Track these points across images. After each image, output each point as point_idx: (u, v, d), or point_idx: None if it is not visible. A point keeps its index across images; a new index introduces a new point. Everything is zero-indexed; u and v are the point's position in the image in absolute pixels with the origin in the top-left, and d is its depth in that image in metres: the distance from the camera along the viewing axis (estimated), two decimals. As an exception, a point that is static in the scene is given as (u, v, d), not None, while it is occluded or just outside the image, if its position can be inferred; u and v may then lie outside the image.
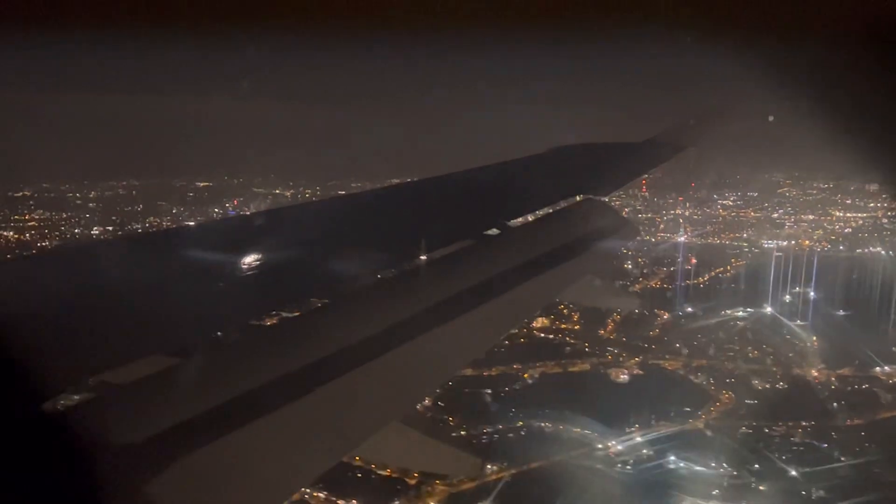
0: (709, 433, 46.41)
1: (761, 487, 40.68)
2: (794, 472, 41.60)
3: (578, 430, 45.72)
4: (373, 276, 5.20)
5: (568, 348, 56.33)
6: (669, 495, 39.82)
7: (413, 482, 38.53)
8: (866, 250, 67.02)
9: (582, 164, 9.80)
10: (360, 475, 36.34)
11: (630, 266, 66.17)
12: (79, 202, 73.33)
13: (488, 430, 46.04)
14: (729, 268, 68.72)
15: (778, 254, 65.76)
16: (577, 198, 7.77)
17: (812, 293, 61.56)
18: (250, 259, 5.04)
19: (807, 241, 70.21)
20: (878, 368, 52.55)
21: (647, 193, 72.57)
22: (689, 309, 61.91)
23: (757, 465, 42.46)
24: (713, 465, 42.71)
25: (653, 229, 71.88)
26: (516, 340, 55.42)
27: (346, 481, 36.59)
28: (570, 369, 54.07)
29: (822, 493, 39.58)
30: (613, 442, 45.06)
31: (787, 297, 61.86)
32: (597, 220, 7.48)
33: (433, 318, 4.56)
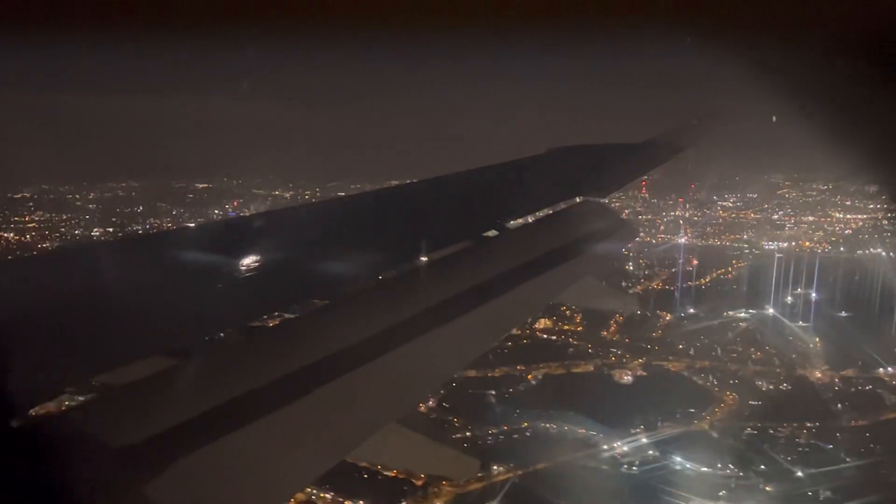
0: (714, 434, 46.51)
1: (768, 488, 40.74)
2: (800, 473, 41.66)
3: (583, 431, 45.82)
4: (372, 277, 5.20)
5: (571, 349, 56.47)
6: (676, 496, 39.81)
7: (420, 483, 38.54)
8: (867, 252, 67.10)
9: (581, 166, 9.78)
10: (366, 476, 36.20)
11: (631, 267, 66.42)
12: (78, 203, 73.33)
13: (493, 431, 46.10)
14: (730, 269, 68.88)
15: (779, 255, 65.90)
16: (577, 199, 7.76)
17: (813, 294, 61.69)
18: (250, 260, 5.03)
19: (807, 243, 70.41)
20: (881, 370, 52.73)
21: (646, 195, 72.67)
22: (692, 310, 62.08)
23: (763, 466, 42.51)
24: (719, 465, 42.80)
25: (653, 231, 72.06)
26: (519, 342, 55.57)
27: (352, 482, 36.52)
28: (574, 370, 54.20)
29: (828, 493, 39.62)
30: (619, 443, 45.11)
31: (789, 299, 61.98)
32: (595, 221, 7.45)
33: (432, 319, 4.53)
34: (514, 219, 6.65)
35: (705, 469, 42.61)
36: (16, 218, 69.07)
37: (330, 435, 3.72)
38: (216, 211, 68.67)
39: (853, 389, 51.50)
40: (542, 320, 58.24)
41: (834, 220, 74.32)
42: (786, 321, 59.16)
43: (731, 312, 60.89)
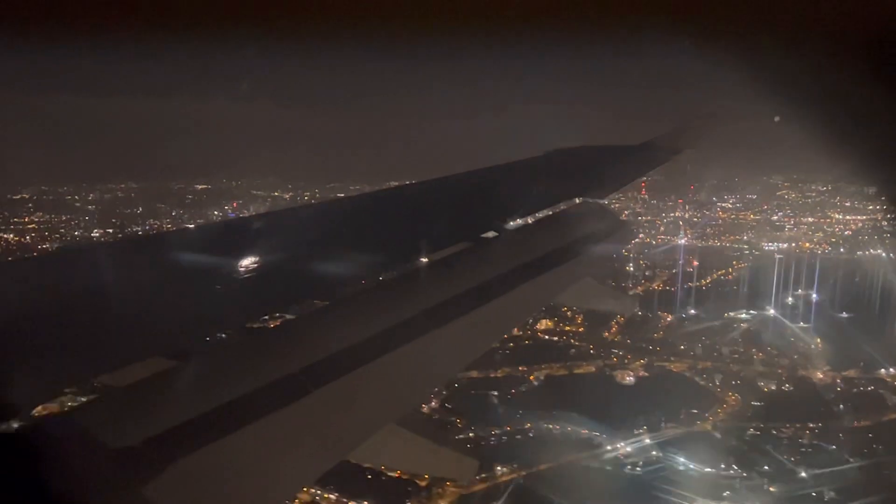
0: (717, 435, 46.56)
1: (772, 489, 40.75)
2: (803, 474, 41.69)
3: (586, 431, 45.87)
4: (371, 278, 5.23)
5: (573, 350, 56.54)
6: (680, 497, 39.80)
7: (424, 484, 38.50)
8: (867, 253, 67.18)
9: (579, 167, 9.80)
10: (370, 476, 36.22)
11: (632, 268, 66.47)
12: (77, 205, 73.28)
13: (496, 431, 46.13)
14: (730, 270, 68.94)
15: (779, 256, 65.95)
16: (576, 200, 7.76)
17: (814, 295, 61.74)
18: (249, 261, 5.01)
19: (807, 244, 70.49)
20: (882, 370, 52.80)
21: (646, 196, 72.81)
22: (693, 311, 62.18)
23: (767, 467, 42.54)
24: (722, 466, 42.83)
25: (653, 232, 72.20)
26: (521, 342, 55.69)
27: (356, 482, 36.52)
28: (576, 371, 54.26)
29: (832, 494, 39.64)
30: (622, 443, 45.13)
31: (790, 300, 62.01)
32: (594, 222, 7.45)
33: (431, 320, 4.53)
34: (514, 220, 6.64)
35: (709, 470, 42.65)
36: (15, 219, 69.02)
37: (329, 436, 3.73)
38: (216, 212, 68.68)
39: (855, 390, 51.54)
40: (544, 321, 58.35)
41: (833, 221, 74.45)
42: (787, 322, 59.25)
43: (732, 313, 61.01)
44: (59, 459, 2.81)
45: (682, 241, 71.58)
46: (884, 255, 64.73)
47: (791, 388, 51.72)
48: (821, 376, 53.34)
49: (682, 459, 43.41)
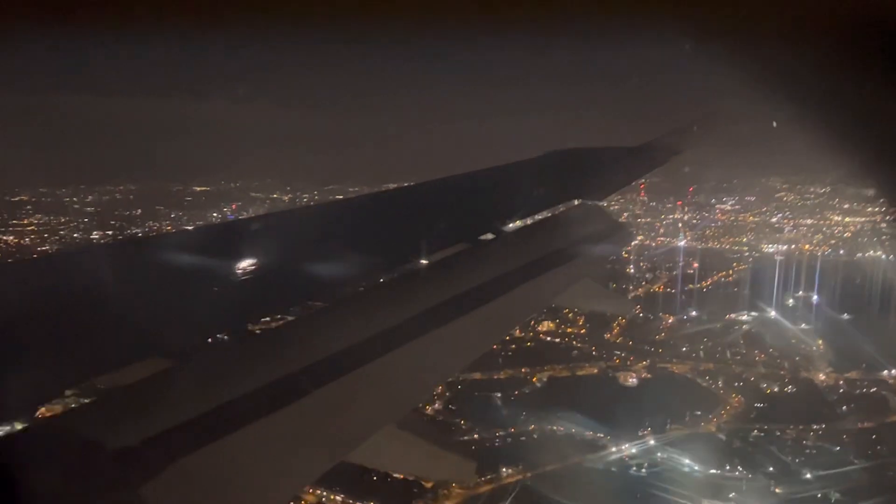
0: (721, 436, 46.66)
1: (778, 490, 40.80)
2: (808, 475, 41.76)
3: (590, 433, 45.89)
4: (369, 279, 5.25)
5: (575, 352, 56.65)
6: (686, 498, 39.84)
7: (430, 485, 38.45)
8: (867, 254, 67.28)
9: (578, 169, 9.77)
10: (375, 478, 36.12)
11: (632, 270, 66.46)
12: (76, 207, 73.01)
13: (500, 433, 46.24)
14: (731, 272, 68.97)
15: (779, 258, 66.06)
16: (574, 202, 7.76)
17: (815, 297, 61.87)
18: (248, 263, 5.01)
19: (807, 246, 70.48)
20: (885, 372, 52.92)
21: (645, 198, 72.74)
22: (694, 313, 62.23)
23: (772, 468, 42.62)
24: (728, 467, 42.92)
25: (652, 233, 72.27)
26: (523, 344, 55.71)
27: (362, 484, 36.52)
28: (579, 373, 54.41)
29: (838, 495, 39.69)
30: (626, 445, 45.16)
31: (791, 301, 62.10)
32: (592, 224, 7.45)
33: (429, 322, 4.51)
34: (511, 221, 6.66)
35: (714, 471, 42.74)
36: (14, 221, 68.73)
37: (327, 437, 3.72)
38: (214, 214, 68.54)
39: (858, 392, 51.72)
40: (545, 322, 58.39)
41: (833, 222, 74.43)
42: (788, 324, 59.28)
43: (733, 315, 61.09)
44: (58, 460, 2.82)
45: (682, 242, 71.68)
46: (883, 256, 64.94)
47: (794, 390, 51.80)
48: (823, 378, 53.50)
49: (686, 461, 43.54)
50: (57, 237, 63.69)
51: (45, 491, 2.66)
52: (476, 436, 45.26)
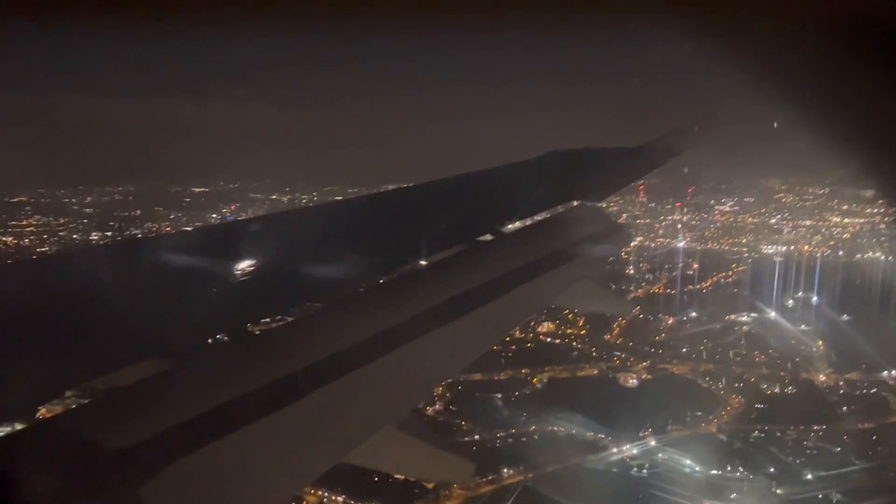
0: (722, 437, 46.72)
1: (779, 491, 40.82)
2: (810, 476, 41.81)
3: (591, 434, 45.89)
4: (368, 280, 5.22)
5: (575, 353, 56.70)
6: (687, 499, 39.85)
7: (431, 486, 38.37)
8: (866, 255, 67.36)
9: (576, 169, 9.72)
10: (377, 479, 36.08)
11: (632, 271, 66.54)
12: (75, 207, 72.93)
13: (501, 434, 46.27)
14: (730, 273, 69.07)
15: (778, 259, 66.13)
16: (574, 203, 7.72)
17: (814, 298, 61.97)
18: (247, 264, 5.03)
19: (806, 247, 70.53)
20: (885, 373, 53.01)
21: (644, 199, 72.83)
22: (694, 314, 62.32)
23: (773, 469, 42.66)
24: (729, 468, 42.95)
25: (651, 235, 72.38)
26: (523, 345, 55.76)
27: (363, 485, 36.52)
28: (579, 374, 54.49)
29: (839, 496, 39.70)
30: (627, 446, 45.19)
31: (790, 302, 62.21)
32: (590, 225, 7.42)
33: (427, 323, 4.50)
34: (510, 222, 6.63)
35: (715, 472, 42.77)
36: (13, 222, 68.66)
37: (326, 438, 3.72)
38: (214, 215, 68.52)
39: (858, 393, 51.82)
40: (545, 323, 58.46)
41: (832, 224, 74.44)
42: (788, 325, 59.34)
43: (733, 316, 61.17)
44: (58, 461, 2.80)
45: (682, 243, 71.79)
46: (882, 257, 65.02)
47: (794, 391, 51.88)
48: (823, 379, 53.59)
49: (688, 461, 43.58)
50: (56, 238, 63.62)
51: (45, 491, 2.65)
52: (477, 437, 45.33)
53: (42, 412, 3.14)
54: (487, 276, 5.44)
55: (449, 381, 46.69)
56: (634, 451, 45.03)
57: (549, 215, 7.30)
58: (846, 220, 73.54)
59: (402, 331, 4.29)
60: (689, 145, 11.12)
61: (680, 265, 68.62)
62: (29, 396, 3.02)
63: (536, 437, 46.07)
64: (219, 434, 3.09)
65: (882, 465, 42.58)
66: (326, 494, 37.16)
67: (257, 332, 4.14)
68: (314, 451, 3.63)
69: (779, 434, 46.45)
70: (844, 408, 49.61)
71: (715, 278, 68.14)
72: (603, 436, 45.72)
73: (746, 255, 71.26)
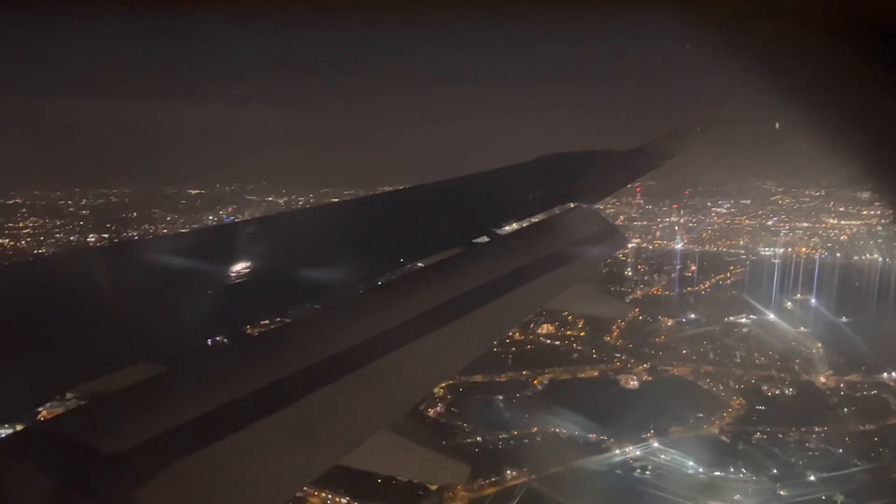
0: (724, 439, 46.71)
1: (782, 492, 40.84)
2: (812, 477, 41.84)
3: (594, 435, 45.83)
4: (363, 282, 5.24)
5: (575, 355, 56.79)
6: (691, 500, 39.85)
7: (434, 487, 38.25)
8: (863, 257, 67.57)
9: (571, 172, 9.72)
10: (380, 480, 35.98)
11: (630, 273, 66.63)
12: (71, 209, 72.81)
13: (503, 435, 46.30)
14: (728, 275, 69.30)
15: (776, 261, 66.30)
16: (571, 205, 7.73)
17: (813, 300, 62.34)
18: (244, 266, 5.02)
19: (804, 249, 70.71)
20: (885, 374, 53.16)
21: (641, 201, 73.05)
22: (693, 315, 62.54)
23: (775, 470, 42.69)
24: (732, 470, 42.94)
25: (648, 236, 72.59)
26: (523, 347, 55.78)
27: (367, 486, 36.46)
28: (579, 375, 54.51)
29: (842, 497, 39.75)
30: (630, 447, 45.21)
31: (789, 304, 62.48)
32: (586, 227, 7.46)
33: (423, 325, 4.51)
34: (506, 225, 6.65)
35: (718, 473, 42.78)
36: (10, 224, 68.50)
37: (321, 440, 3.71)
38: (210, 217, 68.45)
39: (858, 394, 51.97)
40: (545, 325, 58.59)
41: (829, 226, 74.76)
42: (787, 326, 59.56)
43: (731, 318, 61.39)
44: (54, 462, 2.81)
45: (679, 245, 71.98)
46: (880, 259, 65.21)
47: (795, 392, 51.97)
48: (823, 380, 53.70)
49: (690, 463, 43.63)
50: (53, 240, 63.57)
51: (42, 493, 2.66)
52: (479, 438, 45.41)
53: (45, 414, 3.17)
54: (484, 278, 5.47)
55: (450, 383, 46.80)
56: (637, 453, 45.06)
57: (545, 217, 7.31)
58: (843, 223, 73.87)
59: (399, 333, 4.30)
60: (685, 147, 11.20)
61: (678, 267, 68.90)
62: (28, 399, 3.03)
63: (538, 438, 46.03)
64: (216, 437, 3.09)
65: (884, 466, 42.78)
66: (329, 496, 37.08)
67: (255, 334, 4.16)
68: (311, 454, 3.63)
69: (781, 436, 46.50)
70: (845, 409, 49.70)
71: (713, 280, 68.38)
72: (605, 437, 45.77)
73: (744, 256, 71.46)
